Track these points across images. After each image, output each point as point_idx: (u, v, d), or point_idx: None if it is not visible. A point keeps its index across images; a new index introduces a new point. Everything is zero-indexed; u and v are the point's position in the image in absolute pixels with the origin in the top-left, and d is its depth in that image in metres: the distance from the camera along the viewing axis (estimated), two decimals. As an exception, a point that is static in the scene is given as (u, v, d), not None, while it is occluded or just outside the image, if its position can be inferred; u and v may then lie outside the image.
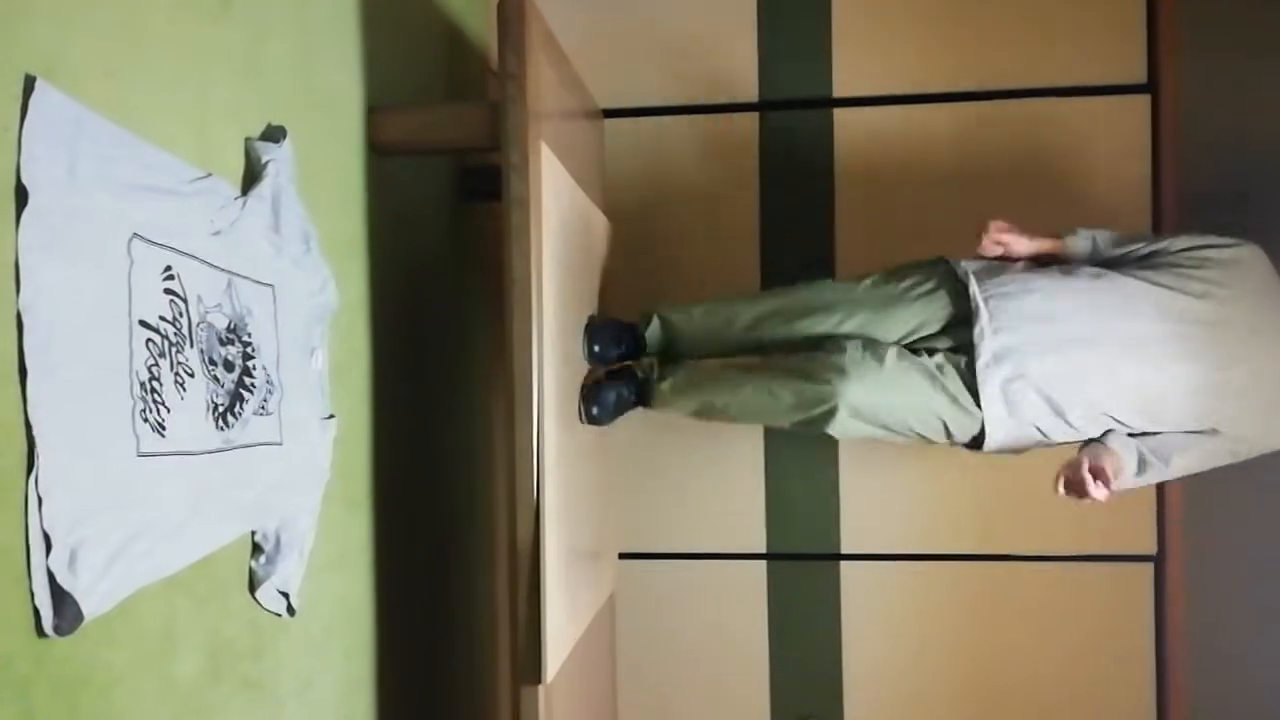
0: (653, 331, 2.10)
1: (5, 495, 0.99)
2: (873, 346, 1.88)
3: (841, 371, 1.84)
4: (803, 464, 2.60)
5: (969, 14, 2.53)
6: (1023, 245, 1.97)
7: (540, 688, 1.71)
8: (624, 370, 2.14)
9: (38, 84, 1.03)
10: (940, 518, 2.55)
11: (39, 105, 1.03)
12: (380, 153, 1.87)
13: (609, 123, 2.58)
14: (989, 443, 1.90)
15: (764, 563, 2.62)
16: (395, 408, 1.93)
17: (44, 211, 1.03)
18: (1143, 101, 2.47)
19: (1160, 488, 2.47)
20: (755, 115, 2.60)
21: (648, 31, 2.62)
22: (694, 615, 2.64)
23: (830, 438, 2.56)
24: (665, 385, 2.07)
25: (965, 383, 1.86)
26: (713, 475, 2.62)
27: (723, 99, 2.60)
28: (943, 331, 1.91)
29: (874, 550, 2.58)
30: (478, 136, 1.86)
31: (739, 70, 2.60)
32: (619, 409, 2.09)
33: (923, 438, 1.92)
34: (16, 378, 1.00)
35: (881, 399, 1.85)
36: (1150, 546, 2.49)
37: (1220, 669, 2.44)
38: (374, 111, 1.85)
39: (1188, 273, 1.87)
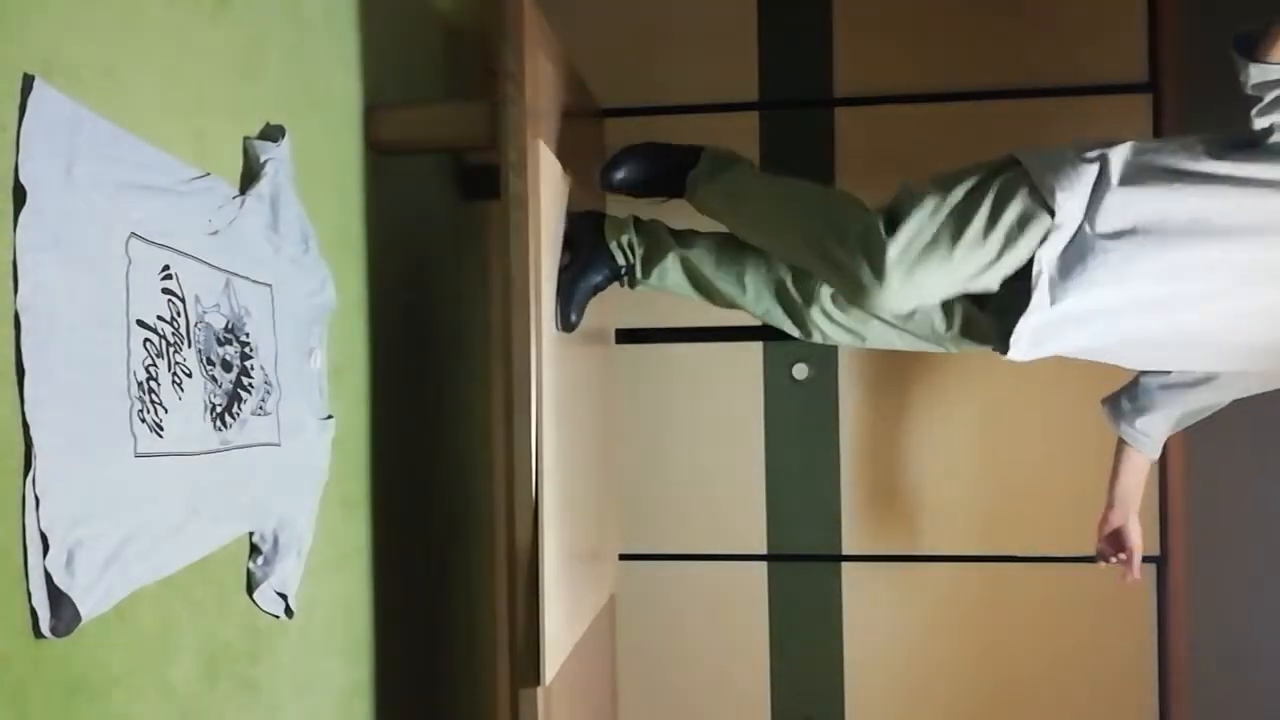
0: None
1: (2, 495, 0.99)
2: None
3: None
4: (804, 464, 2.59)
5: (971, 13, 2.53)
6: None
7: (539, 690, 1.70)
8: (591, 255, 1.91)
9: (36, 83, 1.03)
10: (943, 519, 2.55)
11: (37, 104, 1.03)
12: (379, 151, 1.86)
13: (609, 122, 2.57)
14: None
15: (765, 564, 2.61)
16: (394, 408, 1.93)
17: (42, 211, 1.03)
18: (1145, 101, 2.47)
19: (1163, 489, 2.47)
20: (755, 115, 2.59)
21: (648, 31, 2.62)
22: (695, 617, 2.63)
23: (832, 433, 2.57)
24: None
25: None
26: (713, 476, 2.61)
27: (723, 99, 2.60)
28: None
29: (876, 551, 2.58)
30: (477, 135, 1.86)
31: (739, 70, 2.60)
32: (591, 296, 1.92)
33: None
34: (14, 378, 1.00)
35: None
36: (1153, 548, 2.48)
37: (1224, 671, 2.43)
38: (373, 110, 1.85)
39: None
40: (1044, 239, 1.59)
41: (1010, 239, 1.60)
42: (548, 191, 1.77)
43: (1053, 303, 1.61)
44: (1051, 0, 2.50)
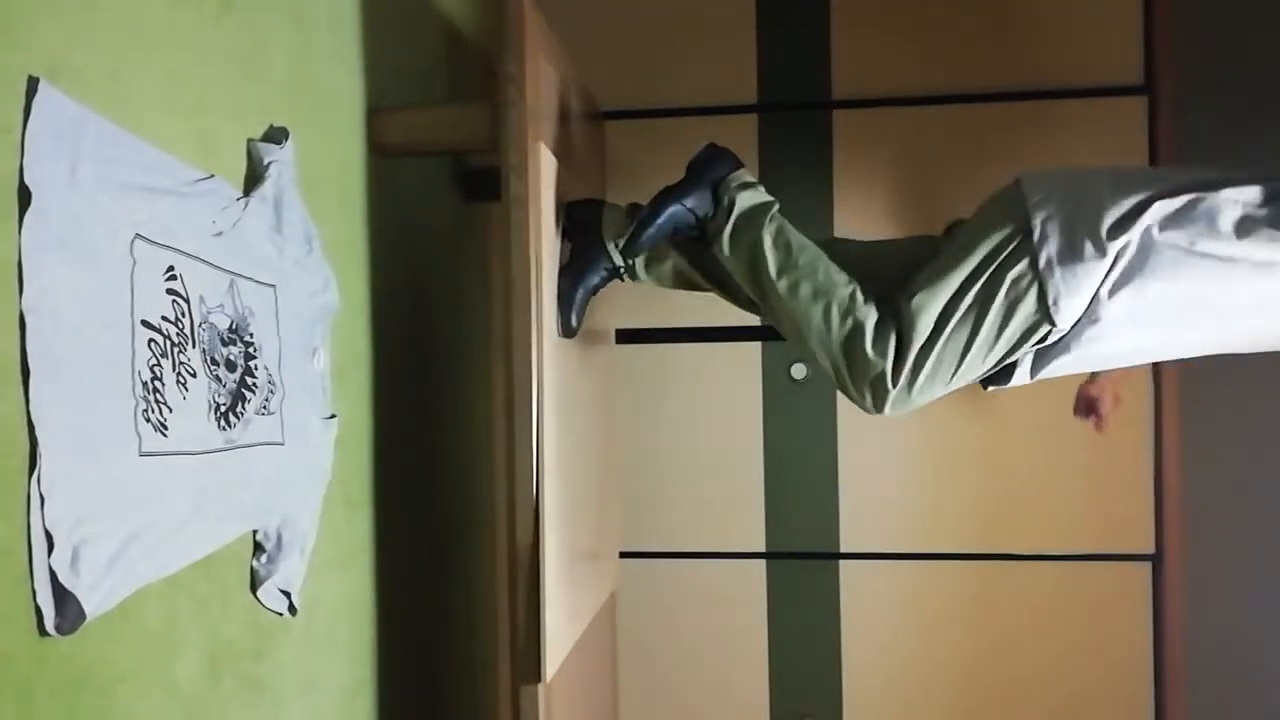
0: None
1: (8, 495, 0.99)
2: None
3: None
4: (802, 463, 2.60)
5: (968, 16, 2.54)
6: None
7: (540, 686, 1.72)
8: (588, 255, 1.91)
9: (40, 85, 1.04)
10: (939, 517, 2.56)
11: (42, 107, 1.04)
12: (382, 154, 1.87)
13: (610, 124, 2.58)
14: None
15: (764, 561, 2.62)
16: (396, 407, 1.94)
17: (47, 212, 1.03)
18: (1140, 103, 2.48)
19: (1159, 488, 2.48)
20: (754, 117, 2.61)
21: (647, 33, 2.63)
22: (694, 614, 2.64)
23: (830, 432, 2.58)
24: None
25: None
26: (712, 474, 2.63)
27: (722, 101, 2.61)
28: None
29: (873, 549, 2.59)
30: (478, 138, 1.87)
31: (738, 72, 2.61)
32: (590, 298, 1.94)
33: None
34: (19, 378, 1.00)
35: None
36: (1148, 546, 2.50)
37: (1219, 669, 2.45)
38: (375, 113, 1.86)
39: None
40: (1041, 341, 1.62)
41: (1012, 349, 1.63)
42: (548, 194, 1.78)
43: (1033, 376, 1.68)
44: (1047, 3, 2.51)
